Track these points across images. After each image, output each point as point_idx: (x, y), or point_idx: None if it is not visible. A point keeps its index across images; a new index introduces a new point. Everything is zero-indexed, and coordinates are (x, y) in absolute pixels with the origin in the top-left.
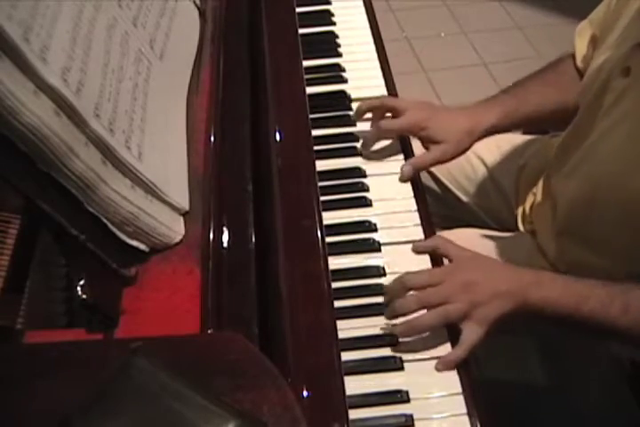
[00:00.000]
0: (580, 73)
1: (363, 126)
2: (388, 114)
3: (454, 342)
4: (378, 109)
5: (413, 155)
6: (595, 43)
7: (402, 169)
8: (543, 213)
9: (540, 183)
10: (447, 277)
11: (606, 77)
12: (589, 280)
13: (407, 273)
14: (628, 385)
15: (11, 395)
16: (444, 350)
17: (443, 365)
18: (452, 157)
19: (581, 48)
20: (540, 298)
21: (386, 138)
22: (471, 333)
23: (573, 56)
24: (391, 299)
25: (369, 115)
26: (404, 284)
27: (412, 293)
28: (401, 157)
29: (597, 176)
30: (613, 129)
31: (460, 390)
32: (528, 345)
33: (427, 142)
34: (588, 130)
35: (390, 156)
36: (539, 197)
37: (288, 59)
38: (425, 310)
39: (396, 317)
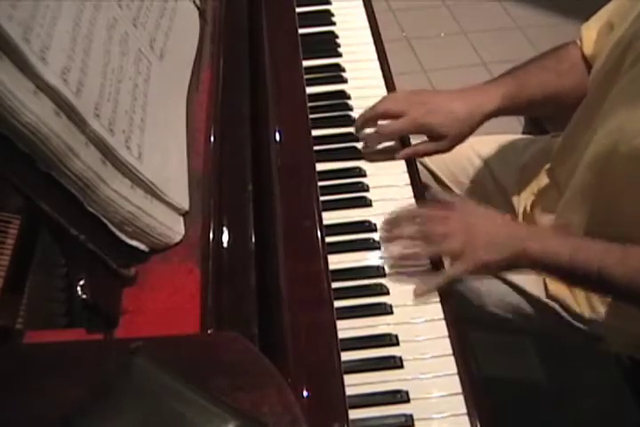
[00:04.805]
0: (586, 61)
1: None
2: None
3: (454, 341)
4: (374, 120)
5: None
6: (611, 26)
7: (400, 152)
8: (547, 201)
9: (542, 178)
10: (452, 214)
11: (628, 40)
12: (586, 238)
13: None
14: (628, 385)
15: (11, 395)
16: (445, 349)
17: (421, 292)
18: (453, 147)
19: (590, 35)
20: (538, 248)
21: (388, 140)
22: (455, 267)
23: (579, 47)
24: (391, 227)
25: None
26: (410, 212)
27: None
28: None
29: (615, 131)
30: (633, 84)
31: (460, 390)
32: (528, 345)
33: (429, 137)
34: (604, 96)
35: (391, 156)
36: (542, 186)
37: (288, 59)
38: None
39: (390, 241)
